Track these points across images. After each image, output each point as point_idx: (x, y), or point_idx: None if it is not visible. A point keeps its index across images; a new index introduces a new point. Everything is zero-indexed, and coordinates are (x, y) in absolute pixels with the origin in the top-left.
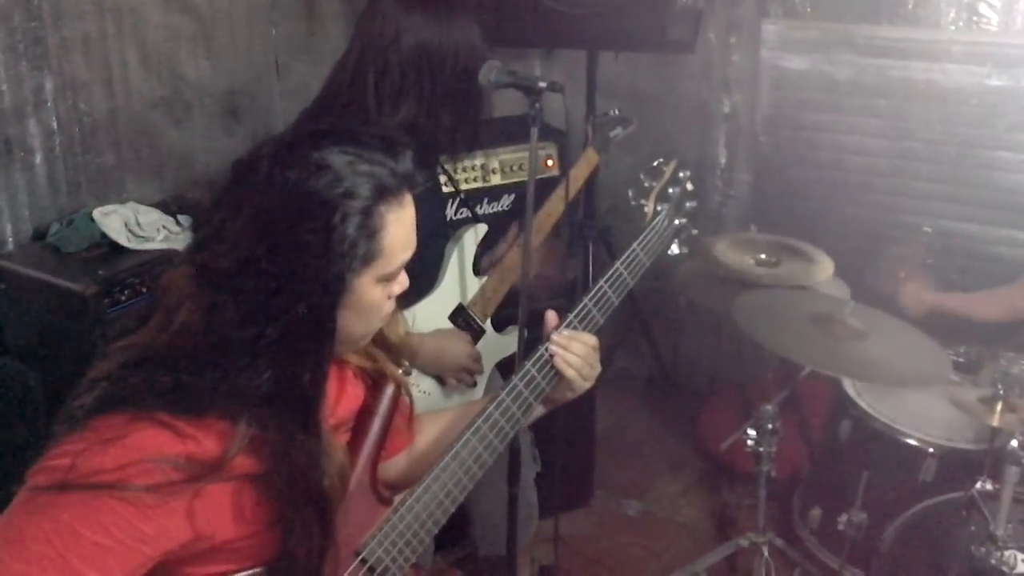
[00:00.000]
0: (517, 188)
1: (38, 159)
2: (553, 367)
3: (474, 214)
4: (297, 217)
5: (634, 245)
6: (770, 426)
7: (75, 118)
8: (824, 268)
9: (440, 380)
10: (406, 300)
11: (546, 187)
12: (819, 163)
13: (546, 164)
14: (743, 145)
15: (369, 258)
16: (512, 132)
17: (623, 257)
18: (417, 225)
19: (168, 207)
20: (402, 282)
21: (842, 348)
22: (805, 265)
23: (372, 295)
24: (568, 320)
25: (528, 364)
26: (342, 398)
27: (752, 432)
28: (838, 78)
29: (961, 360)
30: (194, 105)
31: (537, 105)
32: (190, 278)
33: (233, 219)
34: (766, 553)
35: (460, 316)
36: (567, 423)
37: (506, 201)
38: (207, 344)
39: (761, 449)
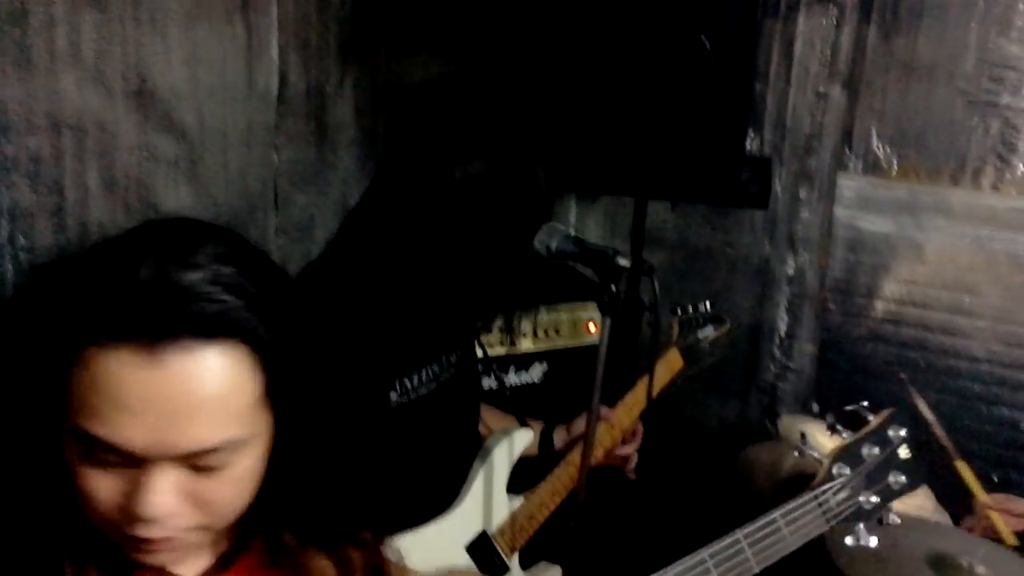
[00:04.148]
0: (550, 357)
1: None
2: None
3: (504, 389)
4: None
5: (775, 514)
6: None
7: (10, 255)
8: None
9: None
10: (415, 521)
11: (586, 357)
12: (899, 340)
13: (588, 329)
14: (808, 312)
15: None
16: (548, 287)
17: (754, 526)
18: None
19: None
20: None
21: None
22: None
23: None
24: None
25: None
26: None
27: None
28: (927, 247)
29: None
30: None
31: (614, 288)
32: None
33: None
34: None
35: (481, 547)
36: None
37: (537, 372)
38: None
39: None
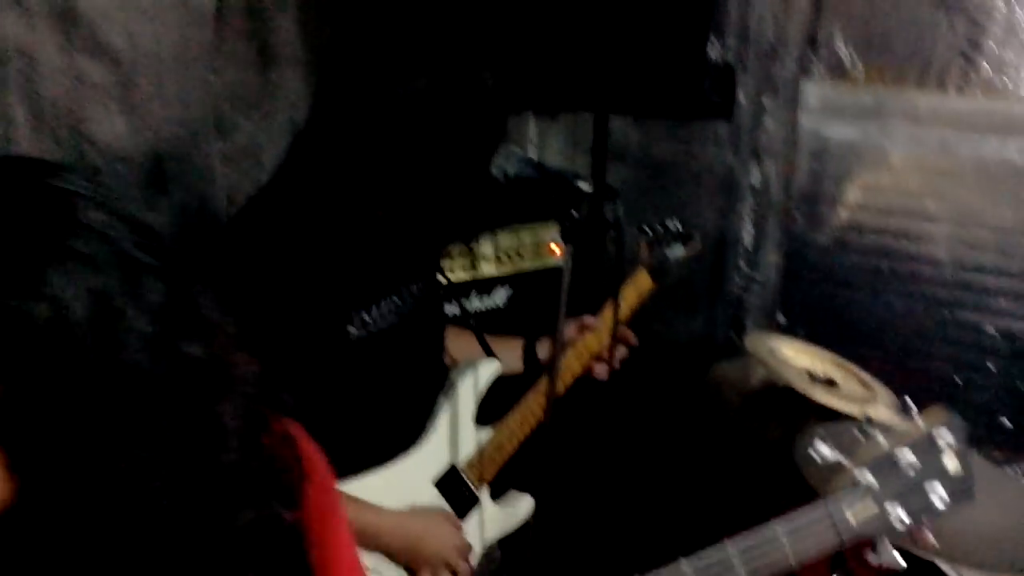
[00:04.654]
0: (514, 280)
1: None
2: None
3: (467, 316)
4: None
5: (776, 528)
6: None
7: None
8: (887, 400)
9: (410, 571)
10: (383, 456)
11: (551, 279)
12: (863, 248)
13: (551, 251)
14: (772, 223)
15: None
16: (508, 208)
17: (749, 541)
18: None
19: None
20: None
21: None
22: (865, 391)
23: None
24: None
25: None
26: None
27: None
28: (892, 152)
29: None
30: (105, 174)
31: (575, 214)
32: None
33: None
34: None
35: (450, 481)
36: None
37: (500, 296)
38: None
39: None
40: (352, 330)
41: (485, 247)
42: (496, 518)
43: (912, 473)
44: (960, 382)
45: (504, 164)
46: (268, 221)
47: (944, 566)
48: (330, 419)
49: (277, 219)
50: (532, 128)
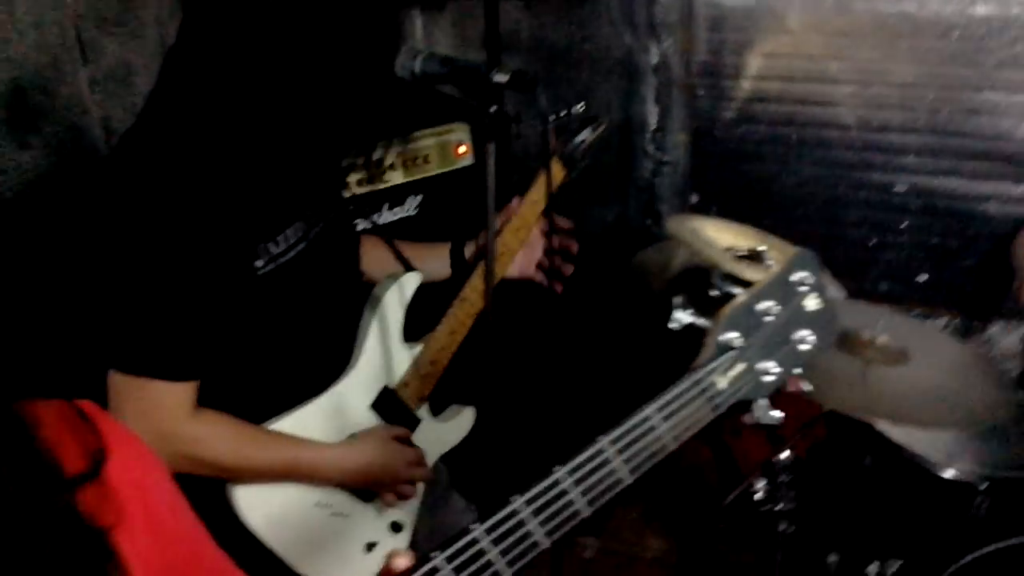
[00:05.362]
0: (423, 186)
1: None
2: None
3: (379, 229)
4: None
5: (648, 410)
6: (785, 478)
7: None
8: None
9: (363, 496)
10: (313, 388)
11: (461, 181)
12: (769, 117)
13: (457, 152)
14: (677, 101)
15: None
16: (413, 112)
17: (621, 429)
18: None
19: None
20: None
21: (875, 379)
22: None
23: None
24: None
25: None
26: None
27: (762, 484)
28: (790, 15)
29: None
30: None
31: (493, 109)
32: None
33: None
34: None
35: (387, 403)
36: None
37: (411, 204)
38: None
39: (777, 507)
40: (260, 264)
41: (389, 156)
42: (439, 435)
43: (774, 321)
44: (876, 242)
45: (409, 63)
46: (150, 156)
47: (884, 426)
48: (252, 359)
49: (159, 152)
50: (418, 22)
